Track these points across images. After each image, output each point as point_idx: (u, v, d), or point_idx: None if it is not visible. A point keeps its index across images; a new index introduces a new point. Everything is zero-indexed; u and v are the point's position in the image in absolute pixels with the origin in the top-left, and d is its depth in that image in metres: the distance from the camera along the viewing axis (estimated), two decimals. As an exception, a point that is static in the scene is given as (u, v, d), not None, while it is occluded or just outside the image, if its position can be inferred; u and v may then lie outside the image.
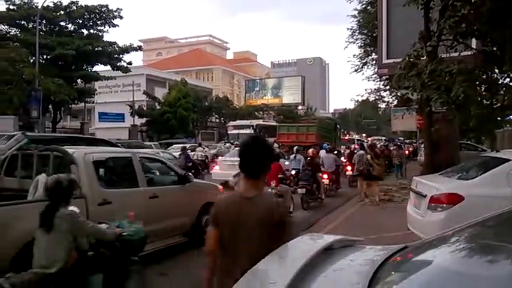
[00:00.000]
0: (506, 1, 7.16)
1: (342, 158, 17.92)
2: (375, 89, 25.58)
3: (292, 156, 14.35)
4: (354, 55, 23.23)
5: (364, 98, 28.89)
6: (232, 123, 36.94)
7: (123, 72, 33.19)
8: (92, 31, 31.38)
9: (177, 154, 17.26)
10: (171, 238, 6.54)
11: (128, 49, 32.06)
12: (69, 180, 4.08)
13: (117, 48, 31.55)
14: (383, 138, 48.99)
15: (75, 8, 29.95)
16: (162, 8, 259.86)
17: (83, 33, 31.25)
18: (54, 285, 3.52)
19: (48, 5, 28.30)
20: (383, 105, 31.67)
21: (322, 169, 12.73)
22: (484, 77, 9.19)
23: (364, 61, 22.74)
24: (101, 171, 5.98)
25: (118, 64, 32.20)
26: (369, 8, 20.22)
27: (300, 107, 63.34)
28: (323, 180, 12.27)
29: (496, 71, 9.47)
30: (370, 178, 12.14)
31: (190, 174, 7.62)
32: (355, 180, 14.06)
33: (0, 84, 23.26)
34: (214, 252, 2.42)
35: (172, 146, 25.30)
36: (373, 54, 20.67)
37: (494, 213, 2.29)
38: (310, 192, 11.19)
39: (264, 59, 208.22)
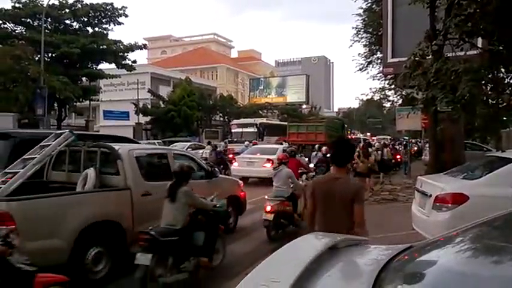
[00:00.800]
0: (513, 0, 7.12)
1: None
2: (380, 88, 25.51)
3: (314, 154, 16.35)
4: (359, 54, 23.09)
5: (369, 97, 28.85)
6: (235, 121, 36.85)
7: (127, 71, 33.27)
8: (97, 29, 31.47)
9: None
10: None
11: (132, 47, 32.11)
12: (188, 167, 5.81)
13: (122, 47, 31.61)
14: (388, 137, 48.84)
15: (80, 6, 30.06)
16: (167, 7, 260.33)
17: (88, 31, 31.35)
18: (178, 236, 5.05)
19: (53, 3, 28.47)
20: (388, 105, 31.55)
21: None
22: (490, 76, 9.12)
23: (369, 60, 22.63)
24: (142, 165, 6.47)
25: (123, 62, 32.26)
26: (374, 6, 20.13)
27: (304, 106, 63.17)
28: None
29: (502, 70, 9.41)
30: (356, 175, 12.45)
31: (216, 169, 8.52)
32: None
33: (5, 82, 23.37)
34: (313, 213, 3.67)
35: (175, 144, 25.32)
36: (378, 53, 20.57)
37: (499, 214, 2.29)
38: None
39: (269, 58, 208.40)
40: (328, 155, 13.43)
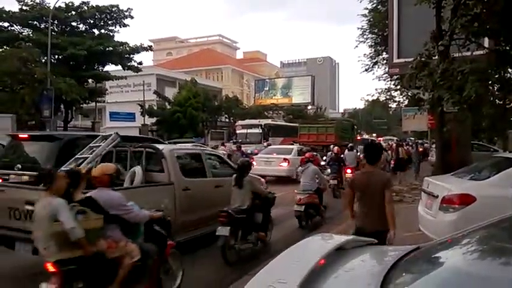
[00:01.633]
0: (519, 0, 7.08)
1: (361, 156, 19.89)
2: (386, 89, 25.37)
3: (329, 153, 16.87)
4: (365, 54, 23.03)
5: (375, 97, 28.74)
6: (240, 122, 36.85)
7: (133, 72, 33.39)
8: (103, 31, 31.59)
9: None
10: None
11: (138, 49, 32.21)
12: (248, 162, 7.52)
13: (127, 48, 31.71)
14: (394, 138, 48.64)
15: (86, 8, 30.18)
16: (172, 8, 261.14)
17: (94, 33, 31.49)
18: (245, 214, 6.48)
19: (60, 6, 28.56)
20: (394, 105, 31.41)
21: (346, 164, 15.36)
22: (497, 76, 9.05)
23: (374, 60, 22.57)
24: (181, 164, 7.15)
25: (129, 64, 32.36)
26: (379, 7, 20.08)
27: (309, 107, 63.08)
28: (346, 174, 14.75)
29: (509, 70, 9.34)
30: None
31: None
32: None
33: (12, 84, 23.54)
34: (351, 202, 4.80)
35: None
36: (384, 53, 20.51)
37: (506, 215, 2.27)
38: (338, 184, 13.59)
39: (274, 59, 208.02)
40: (341, 155, 15.57)
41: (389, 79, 22.82)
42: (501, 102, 8.83)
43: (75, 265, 3.90)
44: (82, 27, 31.60)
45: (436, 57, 8.60)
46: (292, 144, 23.66)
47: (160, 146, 7.27)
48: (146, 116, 38.86)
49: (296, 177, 12.94)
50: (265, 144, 23.74)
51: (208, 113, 42.47)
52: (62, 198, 3.99)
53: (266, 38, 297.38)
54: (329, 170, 14.13)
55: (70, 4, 29.85)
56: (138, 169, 6.65)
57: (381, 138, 48.23)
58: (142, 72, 35.47)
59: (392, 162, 19.04)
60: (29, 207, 4.99)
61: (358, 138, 43.03)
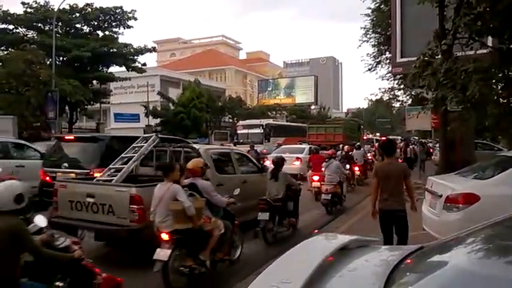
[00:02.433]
0: (523, -2, 7.05)
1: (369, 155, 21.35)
2: (389, 88, 25.33)
3: (339, 152, 17.53)
4: (368, 54, 22.97)
5: (378, 97, 28.68)
6: (241, 122, 36.68)
7: (137, 73, 33.44)
8: (107, 33, 31.66)
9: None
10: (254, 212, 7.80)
11: (142, 50, 32.26)
12: (282, 158, 8.74)
13: (131, 50, 31.77)
14: (399, 137, 48.46)
15: (90, 10, 30.25)
16: (176, 9, 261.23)
17: (98, 34, 31.56)
18: (280, 203, 7.56)
19: (64, 8, 28.69)
20: (397, 105, 31.33)
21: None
22: (501, 75, 9.02)
23: (377, 60, 22.52)
24: (215, 162, 7.85)
25: (133, 65, 32.40)
26: (382, 6, 20.01)
27: (313, 107, 63.01)
28: (355, 171, 15.88)
29: (513, 69, 9.31)
30: None
31: (265, 165, 10.50)
32: None
33: (18, 86, 23.64)
34: (376, 189, 5.59)
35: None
36: (387, 53, 20.45)
37: (511, 214, 2.27)
38: (349, 180, 14.38)
39: (277, 59, 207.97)
40: (350, 153, 17.05)
41: (392, 78, 22.76)
42: (505, 101, 8.80)
43: (183, 235, 5.06)
44: (86, 29, 31.72)
45: (440, 56, 8.59)
46: (301, 143, 24.45)
47: (197, 146, 8.18)
48: (150, 117, 38.90)
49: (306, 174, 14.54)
50: (275, 144, 24.16)
51: (211, 113, 42.39)
52: (176, 184, 5.19)
53: (269, 38, 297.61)
54: None
55: (74, 6, 29.95)
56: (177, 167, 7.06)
57: (384, 138, 48.04)
58: (146, 73, 35.52)
59: (400, 161, 19.23)
60: (90, 200, 6.11)
61: (365, 137, 43.33)
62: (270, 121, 36.95)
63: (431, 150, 27.83)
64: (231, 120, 48.64)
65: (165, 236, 5.00)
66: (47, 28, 29.11)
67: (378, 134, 63.62)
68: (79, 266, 3.52)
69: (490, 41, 9.24)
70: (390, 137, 52.11)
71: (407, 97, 23.64)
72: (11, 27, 29.31)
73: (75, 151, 9.29)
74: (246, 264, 6.10)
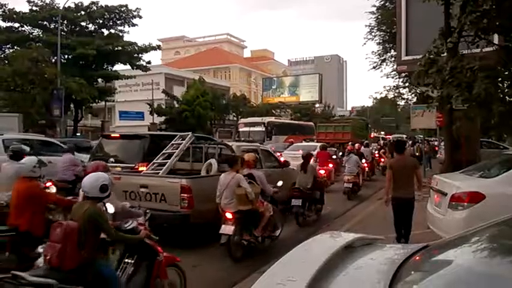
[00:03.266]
0: (529, -4, 7.00)
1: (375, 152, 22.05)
2: (394, 86, 25.31)
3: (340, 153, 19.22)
4: (372, 52, 22.97)
5: (383, 95, 28.68)
6: (243, 120, 36.50)
7: (142, 71, 33.53)
8: (112, 31, 31.81)
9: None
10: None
11: (147, 48, 32.36)
12: (310, 153, 10.22)
13: (136, 48, 31.89)
14: (404, 135, 48.31)
15: (95, 8, 30.41)
16: (180, 7, 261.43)
17: (103, 33, 31.70)
18: (310, 191, 8.80)
19: (69, 6, 28.83)
20: (402, 103, 31.35)
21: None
22: (507, 73, 8.96)
23: (382, 58, 22.47)
24: None
25: (137, 63, 32.54)
26: (387, 4, 19.97)
27: (317, 105, 62.79)
28: (364, 168, 16.45)
29: (519, 67, 9.24)
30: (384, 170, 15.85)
31: (287, 161, 11.12)
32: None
33: (23, 84, 23.78)
34: (390, 180, 6.54)
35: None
36: (392, 51, 20.40)
37: (516, 213, 2.27)
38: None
39: (281, 57, 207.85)
40: (360, 150, 18.01)
41: (397, 76, 22.71)
42: (511, 99, 8.74)
43: (243, 214, 6.25)
44: (91, 27, 31.87)
45: (445, 54, 8.53)
46: (308, 141, 25.27)
47: (230, 143, 9.28)
48: (155, 115, 39.00)
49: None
50: (287, 143, 24.54)
51: (216, 111, 42.46)
52: (238, 173, 6.38)
53: (273, 36, 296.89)
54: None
55: (79, 4, 30.12)
56: (213, 161, 8.11)
57: (390, 136, 47.96)
58: (150, 71, 35.65)
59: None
60: (144, 190, 6.98)
61: (372, 136, 43.55)
62: (272, 119, 36.79)
63: (436, 148, 27.82)
64: (235, 119, 48.65)
65: (229, 215, 6.18)
66: (52, 26, 29.26)
67: (382, 132, 63.41)
68: (144, 244, 3.99)
69: (496, 38, 9.17)
70: (395, 135, 52.25)
71: (413, 95, 23.61)
72: (16, 25, 29.51)
73: (119, 148, 10.15)
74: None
